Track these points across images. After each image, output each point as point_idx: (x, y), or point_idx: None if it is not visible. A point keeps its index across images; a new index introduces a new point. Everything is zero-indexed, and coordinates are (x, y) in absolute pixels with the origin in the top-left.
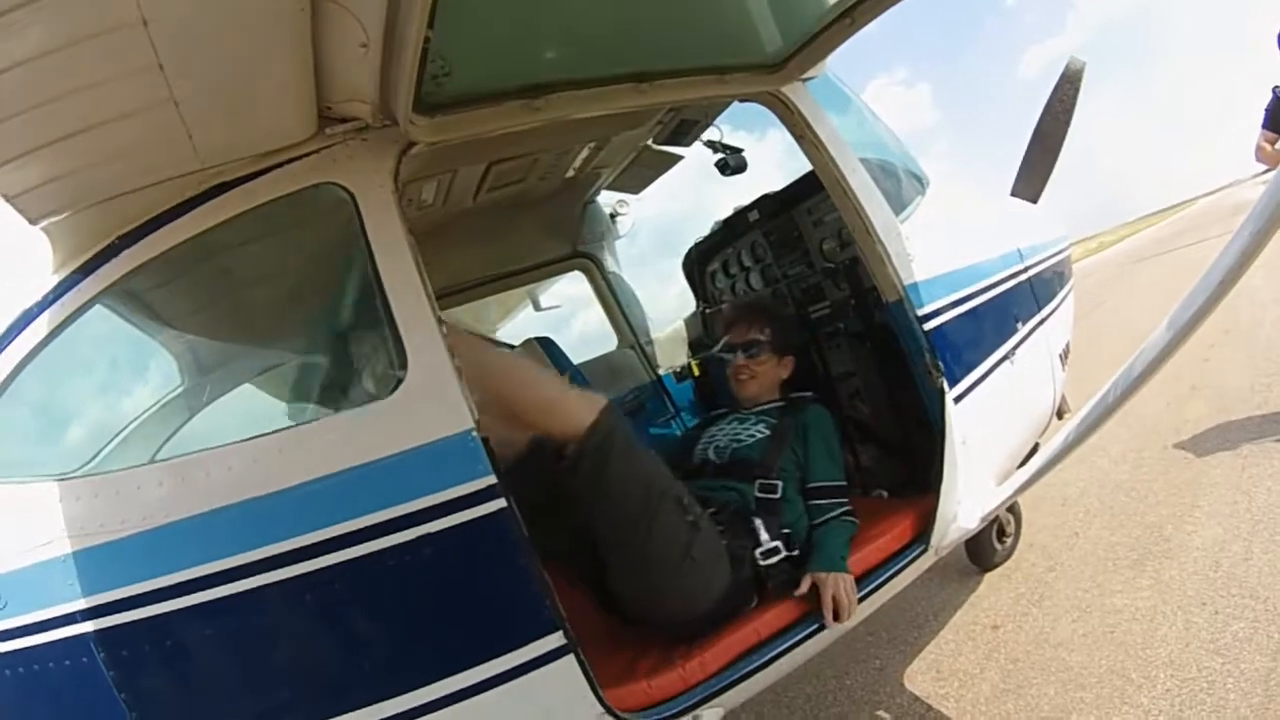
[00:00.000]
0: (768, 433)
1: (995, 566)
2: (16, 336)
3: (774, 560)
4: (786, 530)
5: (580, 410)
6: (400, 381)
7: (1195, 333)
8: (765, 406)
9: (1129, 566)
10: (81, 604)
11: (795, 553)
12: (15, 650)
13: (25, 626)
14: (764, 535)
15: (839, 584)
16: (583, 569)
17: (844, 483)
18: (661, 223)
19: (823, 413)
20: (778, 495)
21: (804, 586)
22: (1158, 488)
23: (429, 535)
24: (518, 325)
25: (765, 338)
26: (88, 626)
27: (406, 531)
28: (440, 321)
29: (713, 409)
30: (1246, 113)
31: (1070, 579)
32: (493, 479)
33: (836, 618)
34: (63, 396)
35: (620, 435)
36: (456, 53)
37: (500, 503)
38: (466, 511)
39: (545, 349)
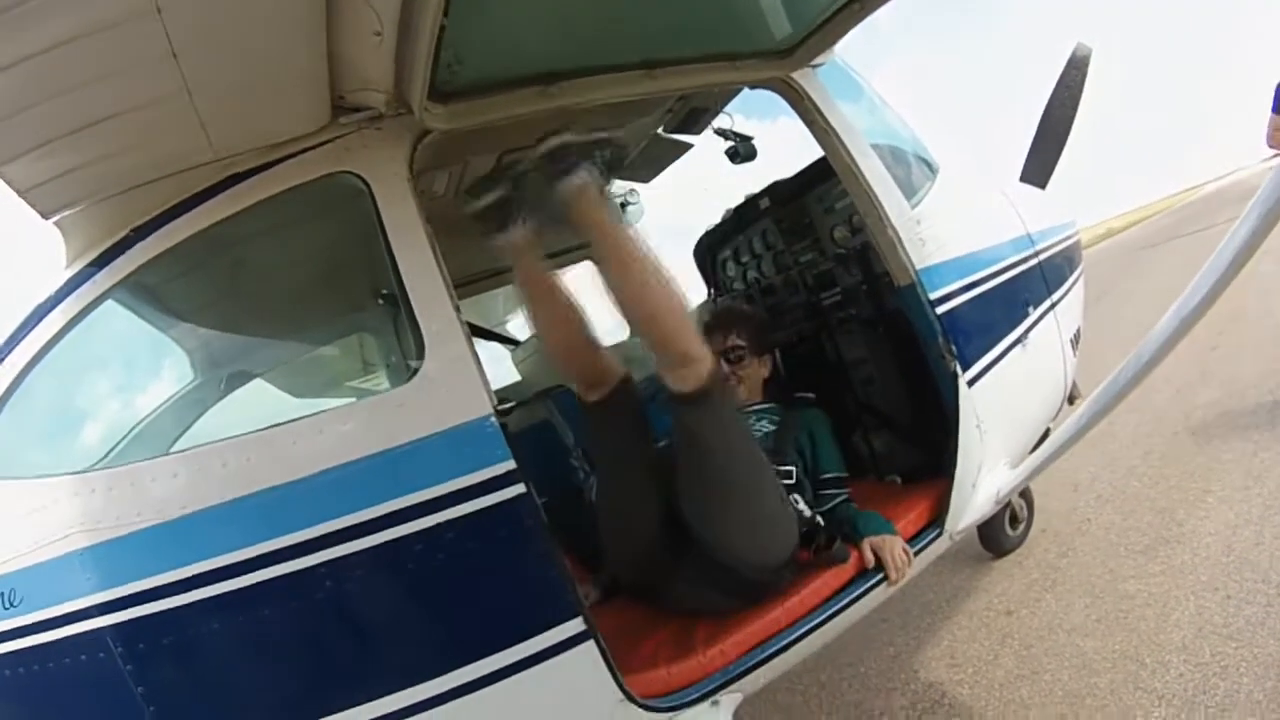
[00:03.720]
0: (773, 427)
1: (1008, 553)
2: (30, 331)
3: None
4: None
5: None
6: (418, 368)
7: (1203, 318)
8: (759, 406)
9: (1141, 552)
10: (99, 598)
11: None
12: (34, 645)
13: (43, 622)
14: (801, 506)
15: (896, 544)
16: (646, 521)
17: (848, 475)
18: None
19: (821, 413)
20: (793, 480)
21: (867, 553)
22: (1169, 473)
23: (448, 522)
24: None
25: (744, 342)
26: (105, 620)
27: (426, 518)
28: (458, 309)
29: None
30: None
31: (1083, 565)
32: (512, 464)
33: (897, 574)
34: (78, 391)
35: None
36: (470, 40)
37: (520, 488)
38: (486, 497)
39: None
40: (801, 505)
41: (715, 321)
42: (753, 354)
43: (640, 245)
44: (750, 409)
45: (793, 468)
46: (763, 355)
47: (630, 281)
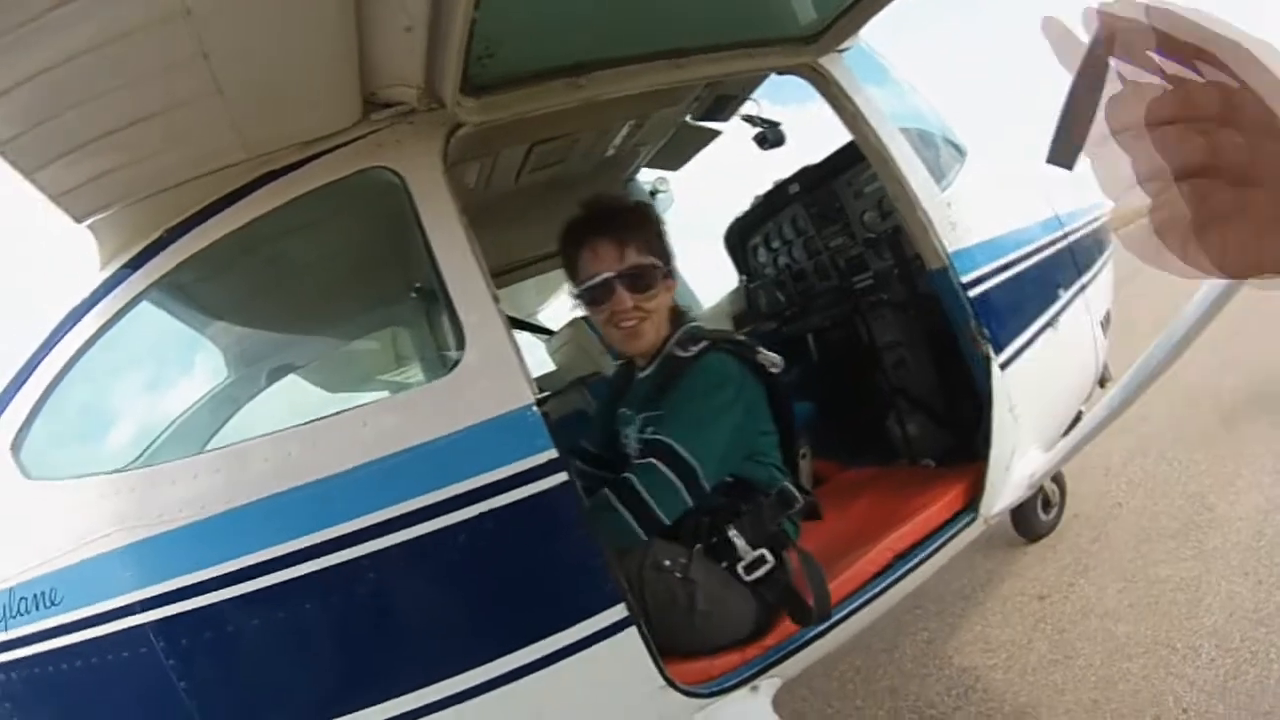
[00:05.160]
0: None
1: (1040, 537)
2: (65, 334)
3: (761, 572)
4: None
5: None
6: (459, 360)
7: (1233, 299)
8: (662, 356)
9: (1172, 536)
10: (139, 595)
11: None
12: (76, 643)
13: (84, 620)
14: (740, 544)
15: None
16: None
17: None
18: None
19: (720, 358)
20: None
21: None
22: (1199, 457)
23: (491, 511)
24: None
25: (653, 258)
26: (147, 617)
27: (468, 509)
28: (496, 299)
29: None
30: None
31: (1114, 549)
32: (554, 453)
33: None
34: (114, 392)
35: None
36: (500, 33)
37: (562, 476)
38: (528, 486)
39: (591, 327)
40: (741, 544)
41: (595, 228)
42: (663, 275)
43: None
44: (653, 362)
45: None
46: (669, 276)
47: None
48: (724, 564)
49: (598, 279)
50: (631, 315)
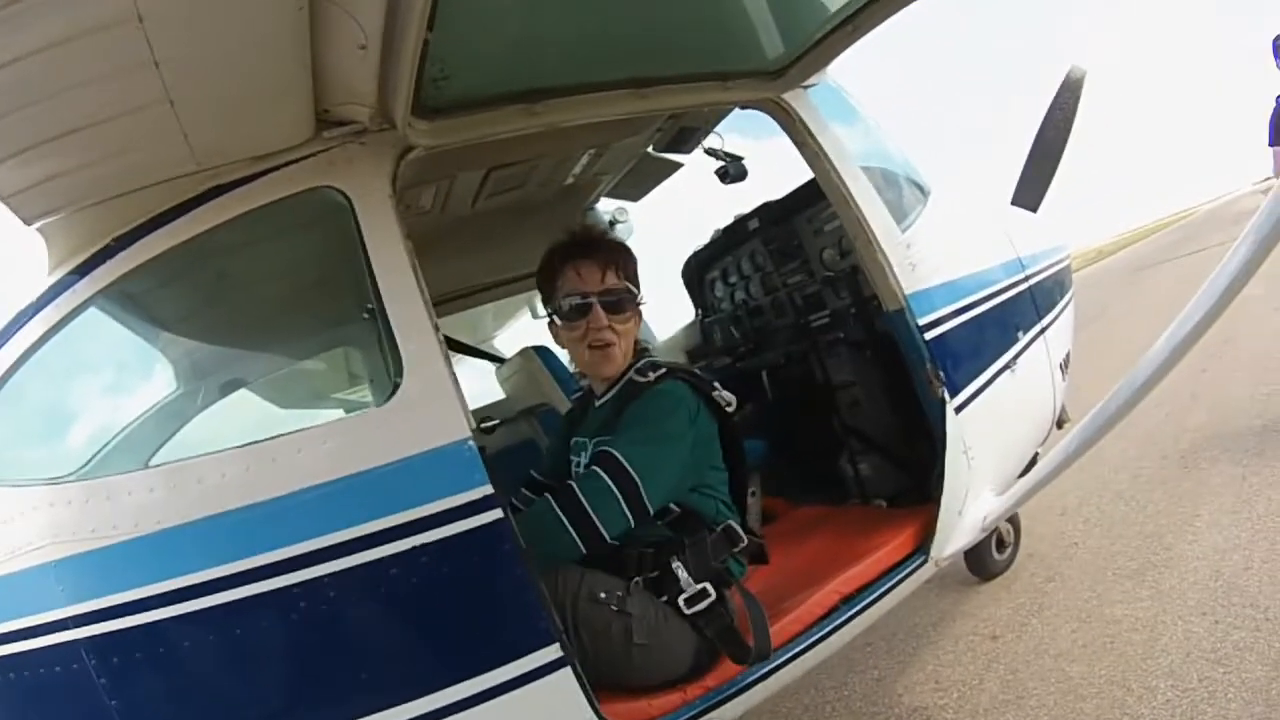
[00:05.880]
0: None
1: (994, 577)
2: (10, 338)
3: (702, 606)
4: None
5: None
6: (396, 388)
7: (1198, 343)
8: (621, 383)
9: (1129, 576)
10: (73, 610)
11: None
12: (5, 655)
13: (15, 632)
14: (683, 576)
15: None
16: None
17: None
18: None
19: (675, 387)
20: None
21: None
22: (1157, 497)
23: (425, 545)
24: (515, 334)
25: (629, 282)
26: (79, 633)
27: (402, 541)
28: (437, 328)
29: None
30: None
31: (1070, 589)
32: (489, 489)
33: None
34: (56, 400)
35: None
36: (456, 56)
37: (497, 513)
38: (463, 521)
39: (541, 358)
40: (683, 576)
41: (582, 249)
42: (635, 303)
43: None
44: (612, 390)
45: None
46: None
47: None
48: (664, 597)
49: (578, 297)
50: (606, 335)
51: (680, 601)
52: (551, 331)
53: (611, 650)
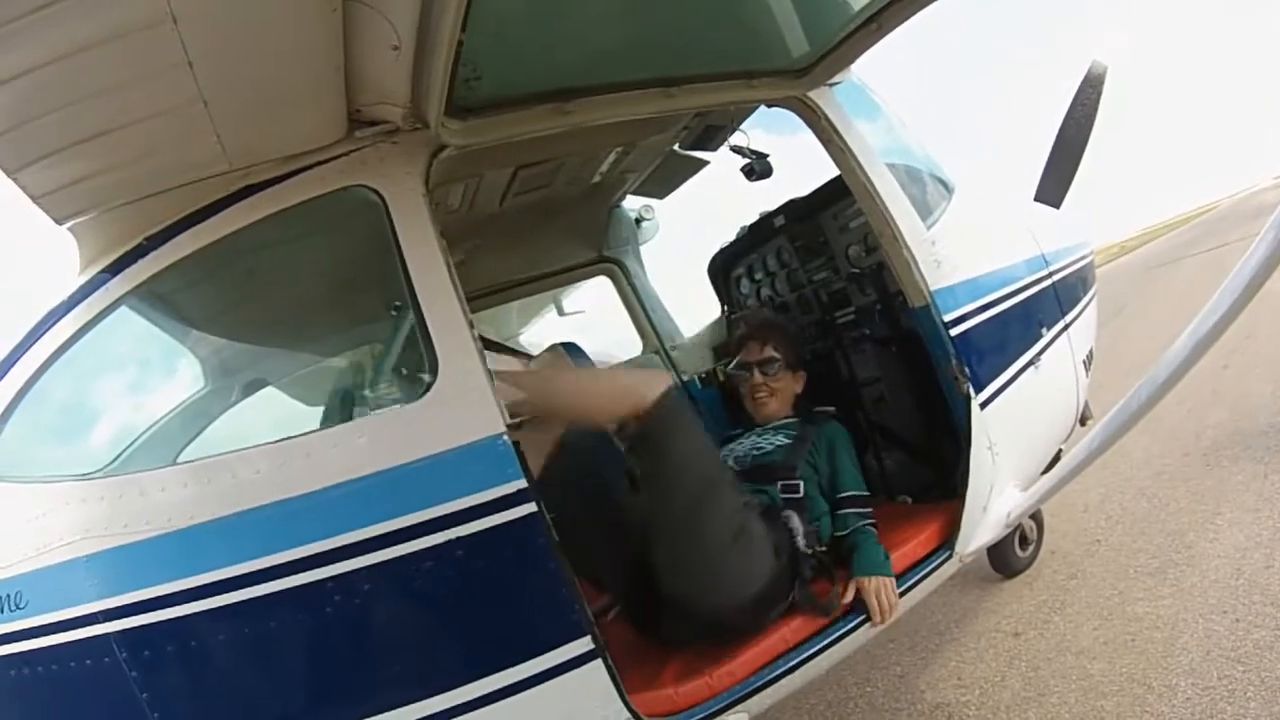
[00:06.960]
0: (788, 441)
1: (1017, 574)
2: (42, 336)
3: (807, 550)
4: (814, 525)
5: (648, 384)
6: (431, 385)
7: (1219, 339)
8: (782, 422)
9: (1150, 574)
10: (104, 604)
11: (822, 549)
12: (38, 649)
13: (48, 625)
14: (796, 522)
15: (883, 587)
16: (615, 578)
17: (869, 494)
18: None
19: (842, 428)
20: (800, 494)
21: (849, 594)
22: (1179, 495)
23: (459, 539)
24: (542, 330)
25: (779, 354)
26: (110, 627)
27: (436, 535)
28: (472, 325)
29: (736, 418)
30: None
31: (1091, 586)
32: (523, 483)
33: (881, 618)
34: (87, 397)
35: (684, 409)
36: (487, 56)
37: (531, 507)
38: (497, 515)
39: (570, 354)
40: (797, 523)
41: (751, 331)
42: (787, 367)
43: None
44: (770, 426)
45: (801, 483)
46: (797, 370)
47: None
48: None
49: (744, 362)
50: (761, 389)
51: (798, 539)
52: (735, 381)
53: (719, 537)
